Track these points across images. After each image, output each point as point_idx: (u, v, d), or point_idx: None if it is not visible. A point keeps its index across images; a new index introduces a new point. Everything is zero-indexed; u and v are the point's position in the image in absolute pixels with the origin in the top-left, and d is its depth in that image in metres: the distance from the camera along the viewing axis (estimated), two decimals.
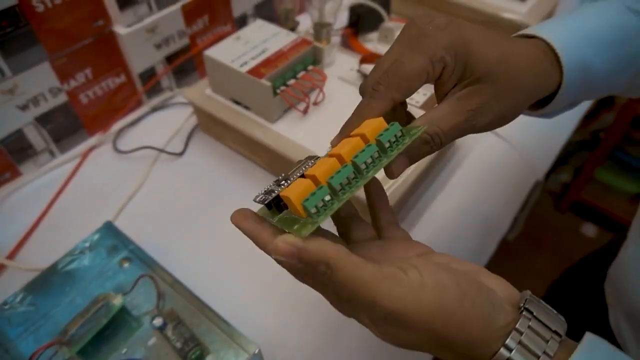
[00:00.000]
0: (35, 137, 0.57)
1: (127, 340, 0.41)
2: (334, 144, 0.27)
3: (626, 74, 0.34)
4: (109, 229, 0.49)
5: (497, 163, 0.62)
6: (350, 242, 0.30)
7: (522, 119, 0.72)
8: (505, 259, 1.44)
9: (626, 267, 0.48)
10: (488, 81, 0.28)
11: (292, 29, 0.69)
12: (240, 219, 0.28)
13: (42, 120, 0.56)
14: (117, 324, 0.41)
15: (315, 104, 0.54)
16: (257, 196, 0.27)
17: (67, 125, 0.60)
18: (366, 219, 0.31)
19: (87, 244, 0.47)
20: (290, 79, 0.53)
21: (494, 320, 0.22)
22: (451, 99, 0.28)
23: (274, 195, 0.26)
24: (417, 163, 0.44)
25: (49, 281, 0.45)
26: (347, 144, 0.25)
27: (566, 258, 0.72)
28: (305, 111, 0.54)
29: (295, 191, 0.23)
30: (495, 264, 0.52)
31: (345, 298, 0.24)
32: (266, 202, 0.26)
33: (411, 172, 0.49)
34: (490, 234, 0.60)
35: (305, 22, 0.74)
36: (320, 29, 0.61)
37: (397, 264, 0.24)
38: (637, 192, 1.54)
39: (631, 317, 0.46)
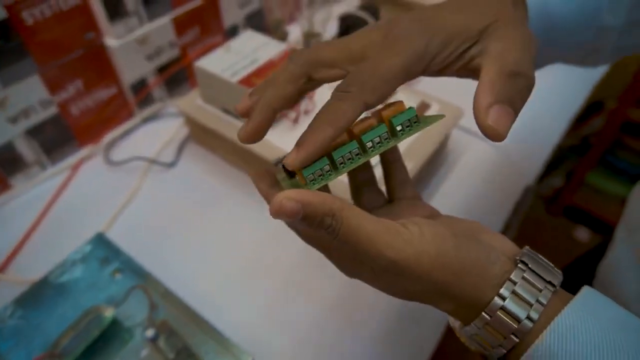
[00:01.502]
0: (26, 149, 0.57)
1: (119, 352, 0.41)
2: (293, 164, 0.23)
3: (587, 30, 0.34)
4: (101, 241, 0.49)
5: (487, 169, 0.62)
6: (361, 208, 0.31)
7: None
8: None
9: (613, 267, 0.48)
10: (493, 23, 0.25)
11: (282, 39, 0.69)
12: (257, 177, 0.27)
13: (33, 132, 0.56)
14: (109, 335, 0.41)
15: (306, 112, 0.55)
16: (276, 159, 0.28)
17: (58, 137, 0.60)
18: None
19: (78, 256, 0.47)
20: None
21: (489, 270, 0.23)
22: (492, 47, 0.25)
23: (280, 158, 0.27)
24: (408, 169, 0.44)
25: (40, 294, 0.44)
26: (363, 122, 0.25)
27: (560, 262, 0.72)
28: (296, 120, 0.54)
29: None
30: None
31: (350, 252, 0.23)
32: (277, 163, 0.27)
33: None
34: None
35: (295, 32, 0.75)
36: (310, 38, 0.62)
37: (400, 222, 0.24)
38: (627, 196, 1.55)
39: None
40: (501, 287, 0.23)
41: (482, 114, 0.22)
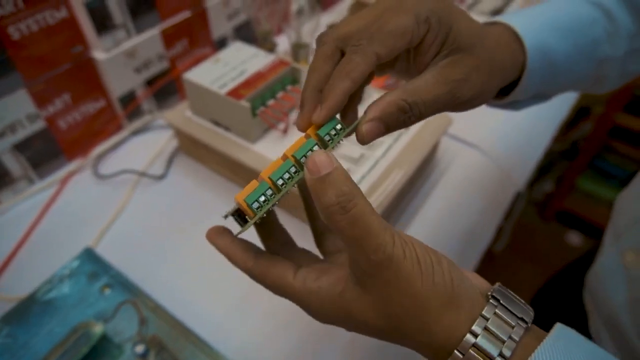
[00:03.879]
0: (13, 164, 0.56)
1: None
2: (317, 120, 0.26)
3: (587, 64, 0.35)
4: (89, 255, 0.48)
5: (477, 176, 0.63)
6: (324, 253, 0.31)
7: (500, 131, 0.73)
8: (493, 270, 1.45)
9: (602, 273, 0.49)
10: (469, 52, 0.28)
11: (271, 50, 0.70)
12: (213, 236, 0.29)
13: (20, 147, 0.56)
14: (99, 352, 0.41)
15: (295, 123, 0.55)
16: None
17: (46, 151, 0.59)
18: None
19: (66, 272, 0.47)
20: (269, 100, 0.54)
21: (464, 304, 0.23)
22: (434, 69, 0.27)
23: (233, 208, 0.27)
24: (399, 177, 0.44)
25: (27, 311, 0.44)
26: (292, 145, 0.26)
27: (552, 267, 0.73)
28: (285, 131, 0.54)
29: (241, 193, 0.25)
30: (483, 275, 0.52)
31: (352, 237, 0.23)
32: (225, 215, 0.27)
33: (394, 185, 0.49)
34: (473, 245, 0.60)
35: (283, 43, 0.75)
36: (298, 49, 0.62)
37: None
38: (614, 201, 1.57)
39: (609, 323, 0.46)
40: (473, 324, 0.22)
41: (364, 120, 0.26)
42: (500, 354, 0.21)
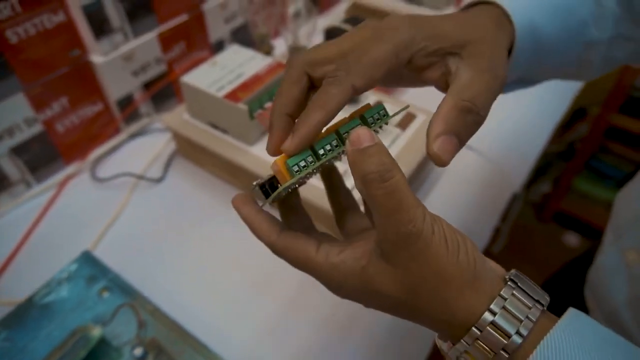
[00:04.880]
0: (11, 168, 0.56)
1: None
2: (288, 149, 0.25)
3: (573, 46, 0.34)
4: (87, 259, 0.48)
5: (474, 177, 0.63)
6: (345, 235, 0.31)
7: (495, 133, 0.73)
8: None
9: (603, 271, 0.49)
10: (475, 41, 0.27)
11: (268, 53, 0.70)
12: (239, 203, 0.28)
13: (18, 150, 0.56)
14: (97, 355, 0.41)
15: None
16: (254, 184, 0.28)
17: (44, 155, 0.59)
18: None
19: (64, 275, 0.47)
20: (266, 102, 0.54)
21: (483, 284, 0.23)
22: (462, 68, 0.27)
23: (269, 176, 0.27)
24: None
25: (26, 315, 0.44)
26: (335, 123, 0.26)
27: (550, 268, 0.73)
28: None
29: (279, 159, 0.25)
30: None
31: (386, 208, 0.23)
32: (256, 184, 0.27)
33: None
34: None
35: (280, 46, 0.75)
36: (295, 52, 0.63)
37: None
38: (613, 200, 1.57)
39: (610, 320, 0.47)
40: (491, 303, 0.23)
41: (431, 141, 0.25)
42: (518, 332, 0.22)
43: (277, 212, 0.30)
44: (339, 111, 0.25)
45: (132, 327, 0.43)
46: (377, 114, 0.26)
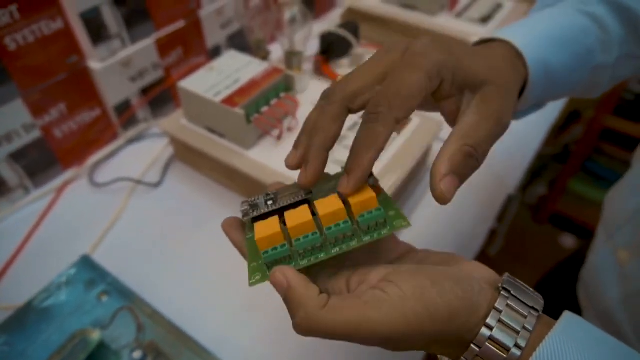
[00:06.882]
0: (9, 173, 0.57)
1: None
2: (347, 192, 0.26)
3: (582, 71, 0.36)
4: (86, 263, 0.49)
5: (469, 180, 0.63)
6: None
7: None
8: None
9: (595, 270, 0.50)
10: (490, 82, 0.28)
11: (264, 58, 0.71)
12: (228, 227, 0.29)
13: (16, 156, 0.56)
14: (96, 359, 0.41)
15: (289, 129, 0.56)
16: (243, 203, 0.29)
17: (42, 161, 0.60)
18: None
19: (63, 279, 0.47)
20: (263, 107, 0.55)
21: (477, 303, 0.23)
22: (471, 109, 0.27)
23: (252, 215, 0.28)
24: (392, 181, 0.45)
25: (25, 319, 0.44)
26: (331, 206, 0.25)
27: (546, 269, 0.74)
28: (279, 137, 0.55)
29: (263, 232, 0.25)
30: None
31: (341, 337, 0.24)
32: (244, 218, 0.28)
33: (387, 190, 0.50)
34: (466, 248, 0.61)
35: (276, 51, 0.76)
36: (291, 57, 0.63)
37: (373, 288, 0.24)
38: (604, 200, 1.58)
39: (603, 318, 0.47)
40: (487, 317, 0.23)
41: (437, 179, 0.26)
42: (516, 345, 0.22)
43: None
44: (386, 145, 0.26)
45: (131, 330, 0.43)
46: (374, 223, 0.25)
